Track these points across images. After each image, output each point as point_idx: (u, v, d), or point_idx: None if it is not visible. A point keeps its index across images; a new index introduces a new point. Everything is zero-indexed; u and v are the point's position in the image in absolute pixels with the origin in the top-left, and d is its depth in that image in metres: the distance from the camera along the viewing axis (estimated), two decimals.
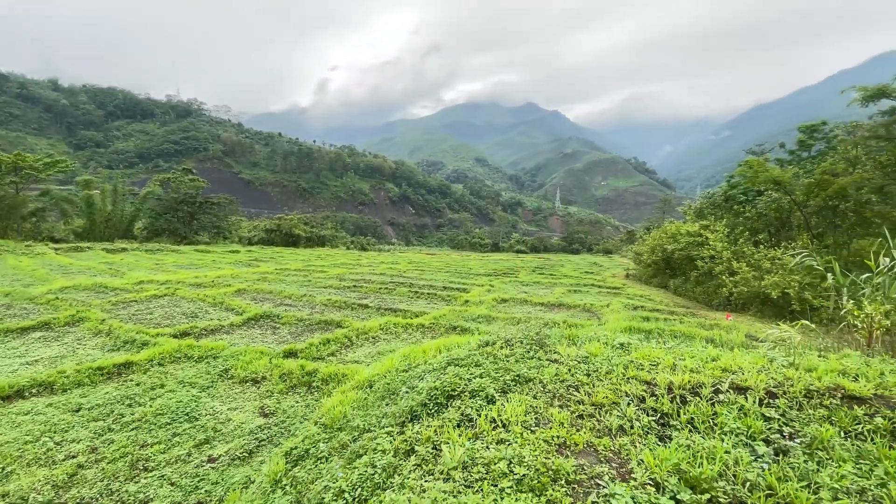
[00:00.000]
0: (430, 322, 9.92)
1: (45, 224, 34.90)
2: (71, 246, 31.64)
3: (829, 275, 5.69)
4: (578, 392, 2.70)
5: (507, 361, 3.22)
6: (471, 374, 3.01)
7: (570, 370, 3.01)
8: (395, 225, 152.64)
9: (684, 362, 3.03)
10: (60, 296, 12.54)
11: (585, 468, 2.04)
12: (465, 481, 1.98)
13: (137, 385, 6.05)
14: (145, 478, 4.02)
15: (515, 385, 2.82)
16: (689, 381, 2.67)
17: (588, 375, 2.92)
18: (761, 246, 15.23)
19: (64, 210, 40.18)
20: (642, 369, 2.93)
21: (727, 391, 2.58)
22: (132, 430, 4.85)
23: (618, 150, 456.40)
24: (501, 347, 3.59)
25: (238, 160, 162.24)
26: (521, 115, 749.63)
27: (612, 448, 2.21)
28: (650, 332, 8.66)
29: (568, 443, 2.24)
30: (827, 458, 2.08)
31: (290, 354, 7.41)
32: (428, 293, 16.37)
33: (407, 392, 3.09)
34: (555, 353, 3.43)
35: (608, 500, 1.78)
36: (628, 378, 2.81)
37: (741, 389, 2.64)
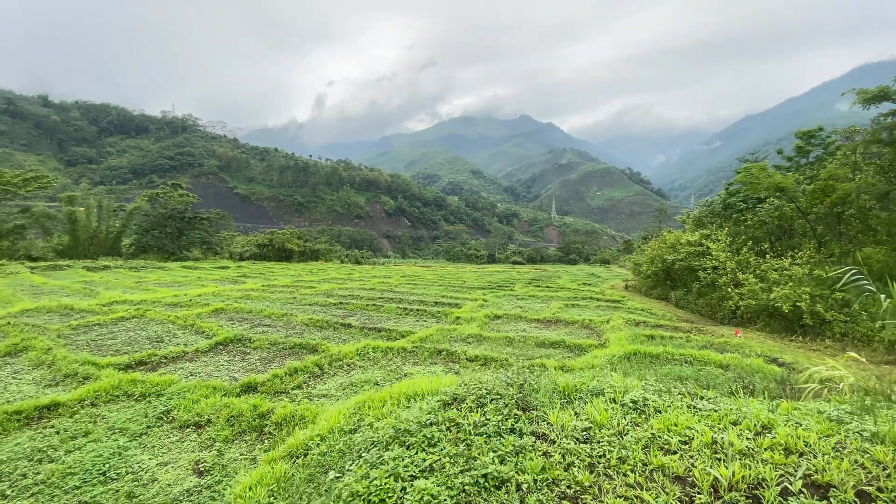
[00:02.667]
0: (414, 345, 9.02)
1: (23, 242, 33.79)
2: (49, 264, 30.56)
3: (883, 297, 4.77)
4: None
5: (475, 439, 2.36)
6: (416, 466, 2.16)
7: (564, 458, 2.16)
8: (391, 238, 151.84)
9: (727, 436, 2.20)
10: (14, 320, 11.56)
11: None
12: None
13: (58, 434, 5.13)
14: None
15: (479, 495, 1.95)
16: (742, 476, 1.84)
17: (592, 469, 2.07)
18: (767, 255, 14.44)
19: (46, 227, 39.14)
20: (670, 452, 2.09)
21: (800, 491, 1.75)
22: (28, 498, 3.92)
23: (612, 160, 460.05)
24: (471, 410, 2.74)
25: (234, 175, 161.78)
26: (515, 128, 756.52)
27: None
28: (658, 356, 7.82)
29: None
30: None
31: (249, 389, 6.50)
32: (417, 310, 15.47)
33: (326, 491, 2.22)
34: (543, 420, 2.58)
35: None
36: (652, 471, 1.96)
37: (819, 487, 1.81)
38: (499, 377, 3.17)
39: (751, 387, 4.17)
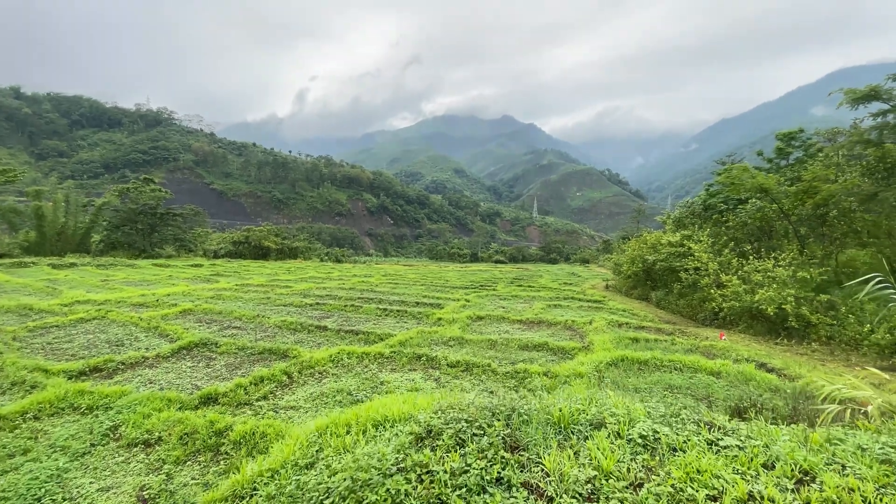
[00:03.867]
0: (392, 349, 8.56)
1: None
2: (14, 261, 28.89)
3: None
4: None
5: (451, 496, 1.93)
6: None
7: None
8: (374, 236, 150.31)
9: (763, 489, 1.83)
10: None
11: None
12: None
13: None
14: None
15: None
16: None
17: None
18: (750, 257, 14.47)
19: (12, 223, 37.09)
20: None
21: None
22: None
23: (592, 161, 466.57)
24: (448, 450, 2.31)
25: (210, 170, 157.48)
26: (498, 128, 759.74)
27: None
28: (646, 362, 7.55)
29: None
30: None
31: (208, 401, 5.95)
32: (398, 311, 14.99)
33: None
34: (537, 464, 2.18)
35: None
36: None
37: None
38: (482, 404, 2.75)
39: (757, 405, 3.90)
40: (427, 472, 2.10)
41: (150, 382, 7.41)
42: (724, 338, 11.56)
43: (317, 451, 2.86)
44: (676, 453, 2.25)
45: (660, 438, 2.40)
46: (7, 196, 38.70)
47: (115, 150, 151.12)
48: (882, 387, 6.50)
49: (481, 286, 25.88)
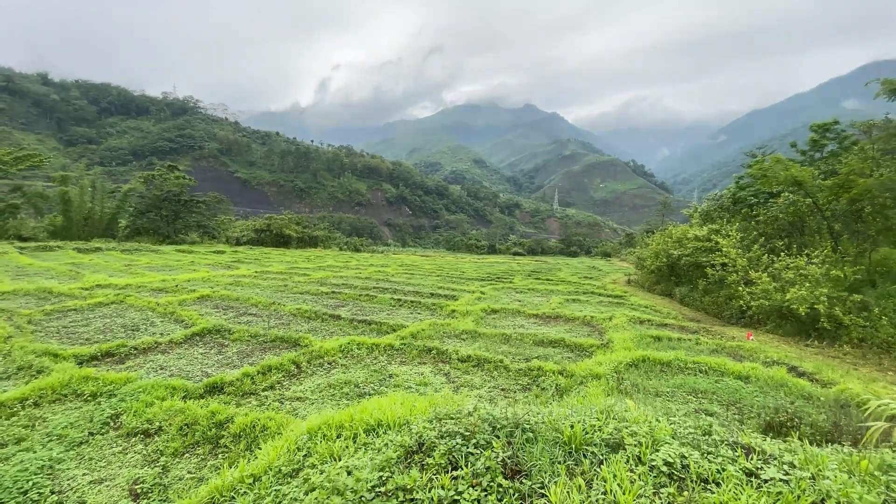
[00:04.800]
0: (403, 341, 8.38)
1: (13, 221, 33.11)
2: (39, 245, 29.96)
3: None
4: None
5: None
6: None
7: None
8: (392, 226, 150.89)
9: None
10: None
11: None
12: None
13: None
14: None
15: None
16: None
17: None
18: (782, 254, 13.69)
19: (38, 207, 38.45)
20: None
21: None
22: None
23: (616, 152, 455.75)
24: (438, 471, 2.04)
25: (234, 159, 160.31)
26: (520, 117, 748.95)
27: None
28: (669, 363, 7.16)
29: None
30: None
31: (214, 390, 5.87)
32: (412, 301, 14.84)
33: None
34: (540, 496, 1.90)
35: None
36: None
37: None
38: (483, 414, 2.49)
39: (795, 419, 3.53)
40: (410, 501, 1.85)
41: (161, 368, 7.43)
42: (751, 338, 10.98)
43: (304, 456, 2.67)
44: (709, 487, 1.94)
45: (689, 466, 2.08)
46: (35, 181, 40.04)
47: (143, 137, 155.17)
48: None
49: (497, 278, 25.54)
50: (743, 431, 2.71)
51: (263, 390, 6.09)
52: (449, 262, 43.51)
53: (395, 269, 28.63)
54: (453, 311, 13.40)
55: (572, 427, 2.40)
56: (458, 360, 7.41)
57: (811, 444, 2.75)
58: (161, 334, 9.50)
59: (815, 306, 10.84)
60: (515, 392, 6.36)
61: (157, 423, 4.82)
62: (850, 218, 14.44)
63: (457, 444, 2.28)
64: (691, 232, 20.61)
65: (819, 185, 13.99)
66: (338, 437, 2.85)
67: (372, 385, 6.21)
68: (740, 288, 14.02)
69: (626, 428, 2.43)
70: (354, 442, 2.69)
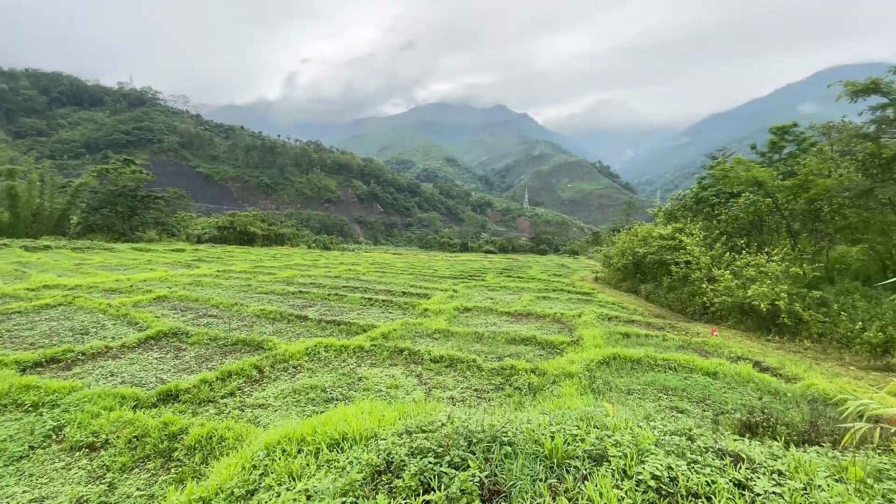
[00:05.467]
0: (373, 342, 8.13)
1: None
2: None
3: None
4: None
5: None
6: None
7: None
8: (363, 223, 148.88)
9: None
10: None
11: None
12: None
13: None
14: None
15: None
16: None
17: None
18: (743, 251, 14.26)
19: None
20: None
21: None
22: None
23: (583, 153, 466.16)
24: (409, 496, 1.86)
25: (196, 153, 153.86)
26: (491, 117, 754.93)
27: None
28: (639, 361, 7.23)
29: None
30: None
31: (168, 398, 5.46)
32: (383, 300, 14.55)
33: None
34: None
35: None
36: None
37: None
38: (457, 426, 2.32)
39: (772, 420, 3.55)
40: None
41: (111, 375, 6.90)
42: (715, 334, 11.34)
43: (261, 475, 2.43)
44: (699, 502, 1.84)
45: (677, 478, 1.98)
46: None
47: (97, 129, 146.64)
48: None
49: (470, 276, 25.52)
50: (722, 434, 2.68)
51: (223, 397, 5.73)
52: (421, 260, 43.22)
53: (366, 267, 28.13)
54: (426, 309, 13.22)
55: (553, 438, 2.27)
56: (431, 360, 7.24)
57: (789, 445, 2.75)
58: (112, 338, 8.88)
59: (776, 302, 11.31)
60: (489, 392, 6.24)
61: (104, 436, 4.40)
62: (808, 217, 15.17)
63: (429, 462, 2.08)
64: (656, 231, 21.21)
65: (779, 185, 14.62)
66: (298, 453, 2.60)
67: (340, 389, 5.94)
68: (703, 285, 14.50)
69: (609, 437, 2.31)
70: (316, 458, 2.46)
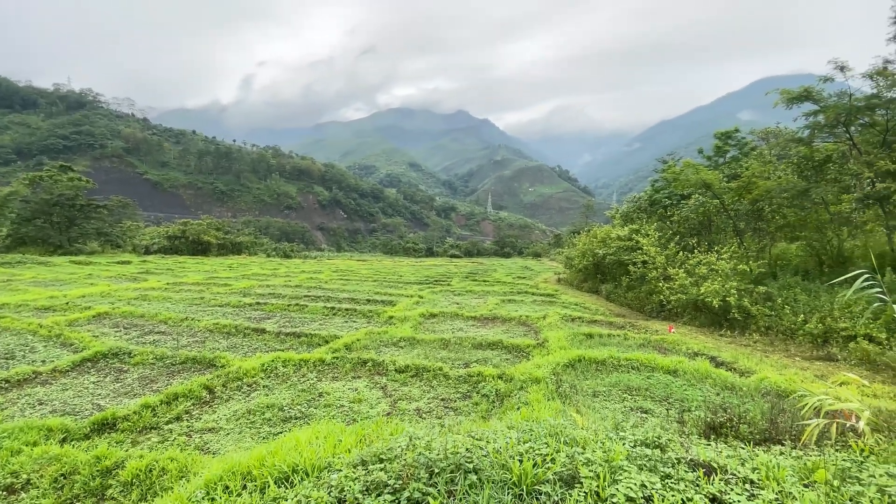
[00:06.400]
0: (335, 354, 7.80)
1: None
2: None
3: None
4: None
5: None
6: None
7: None
8: (326, 230, 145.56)
9: None
10: None
11: None
12: None
13: None
14: None
15: None
16: None
17: None
18: (695, 250, 14.94)
19: None
20: None
21: None
22: None
23: (543, 158, 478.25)
24: None
25: (143, 159, 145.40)
26: (453, 122, 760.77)
27: None
28: (603, 361, 7.30)
29: None
30: None
31: (103, 427, 4.96)
32: (347, 309, 14.12)
33: None
34: None
35: None
36: None
37: None
38: (418, 454, 2.14)
39: (735, 419, 3.60)
40: None
41: (40, 404, 6.24)
42: (672, 331, 11.75)
43: None
44: None
45: (651, 497, 1.89)
46: None
47: (30, 134, 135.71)
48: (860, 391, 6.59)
49: (436, 281, 25.39)
50: (690, 439, 2.66)
51: (167, 423, 5.27)
52: (386, 266, 42.67)
53: (328, 275, 27.39)
54: (391, 317, 12.94)
55: (521, 462, 2.12)
56: (396, 370, 7.00)
57: (752, 445, 2.77)
58: (43, 362, 8.08)
59: (727, 298, 11.87)
60: (456, 401, 6.09)
61: (25, 476, 3.90)
62: (752, 216, 16.13)
63: (385, 501, 1.87)
64: (614, 232, 21.88)
65: (725, 187, 15.47)
66: (243, 489, 2.34)
67: (299, 407, 5.60)
68: (660, 283, 15.03)
69: (580, 455, 2.20)
70: (262, 496, 2.20)
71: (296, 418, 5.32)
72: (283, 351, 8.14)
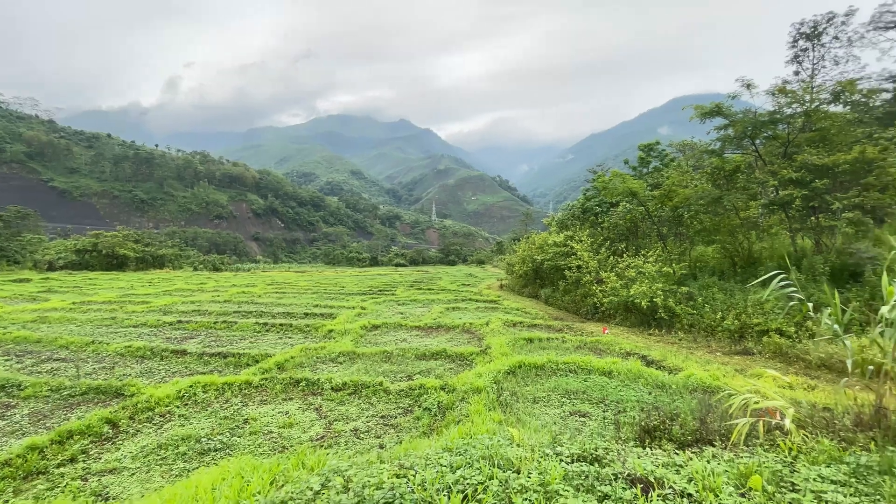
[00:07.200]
0: (265, 375, 7.23)
1: None
2: None
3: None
4: None
5: None
6: None
7: None
8: (261, 240, 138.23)
9: None
10: None
11: None
12: None
13: None
14: None
15: None
16: None
17: None
18: (624, 255, 15.87)
19: None
20: None
21: None
22: None
23: (484, 168, 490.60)
24: None
25: (49, 165, 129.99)
26: (395, 131, 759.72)
27: None
28: (542, 366, 7.39)
29: None
30: None
31: None
32: (281, 325, 13.33)
33: None
34: None
35: None
36: None
37: None
38: (333, 497, 1.92)
39: (667, 421, 3.68)
40: None
41: None
42: (606, 332, 12.29)
43: None
44: None
45: None
46: None
47: None
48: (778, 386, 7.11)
49: (380, 291, 24.86)
50: (627, 447, 2.66)
51: (59, 465, 4.53)
52: (328, 277, 41.21)
53: (263, 288, 25.87)
54: (330, 331, 12.37)
55: (449, 496, 1.94)
56: (332, 389, 6.60)
57: (685, 448, 2.83)
58: None
59: (654, 299, 12.68)
60: (397, 417, 5.83)
61: None
62: (673, 222, 17.46)
63: None
64: (551, 239, 22.74)
65: (649, 195, 16.63)
66: None
67: (220, 437, 5.06)
68: (593, 287, 15.76)
69: (514, 481, 2.08)
70: None
71: (215, 450, 4.79)
72: (204, 374, 7.42)
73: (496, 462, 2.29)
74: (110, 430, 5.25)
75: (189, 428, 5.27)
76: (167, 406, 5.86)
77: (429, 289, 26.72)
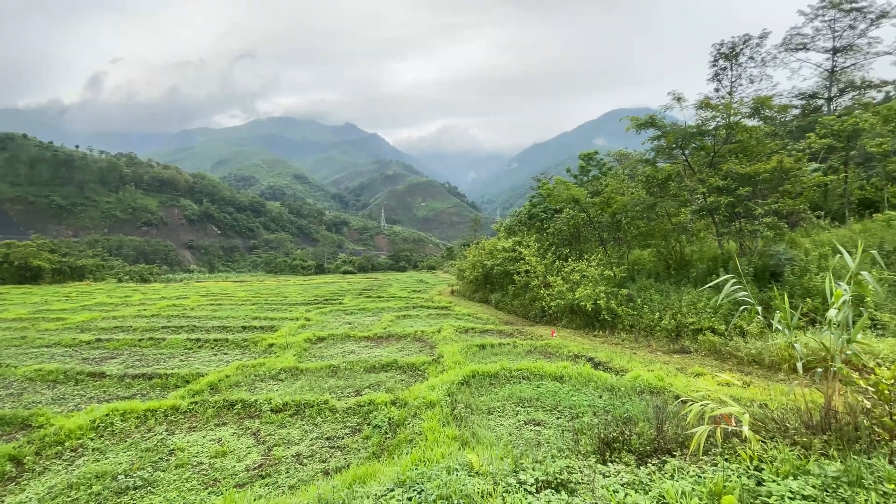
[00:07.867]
0: (195, 398, 6.58)
1: None
2: None
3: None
4: None
5: None
6: None
7: None
8: (195, 248, 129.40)
9: None
10: None
11: None
12: None
13: None
14: None
15: None
16: None
17: None
18: (569, 259, 16.42)
19: None
20: None
21: None
22: None
23: (433, 174, 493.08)
24: None
25: None
26: (341, 135, 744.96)
27: None
28: (496, 375, 7.33)
29: None
30: None
31: None
32: (217, 339, 12.38)
33: None
34: None
35: None
36: None
37: None
38: None
39: (626, 432, 3.67)
40: None
41: None
42: (554, 335, 12.57)
43: None
44: None
45: None
46: None
47: None
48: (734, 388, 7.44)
49: (326, 301, 23.98)
50: (591, 463, 2.61)
51: None
52: (269, 286, 39.19)
53: (196, 300, 24.07)
54: (271, 345, 11.65)
55: None
56: (272, 410, 6.11)
57: (645, 460, 2.80)
58: None
59: (598, 301, 13.18)
60: (344, 438, 5.49)
61: None
62: (612, 227, 18.35)
63: None
64: (500, 244, 23.12)
65: (590, 202, 17.35)
66: None
67: (141, 473, 4.47)
68: (541, 291, 16.14)
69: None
70: None
71: (135, 489, 4.22)
72: (125, 399, 6.64)
73: (456, 502, 2.11)
74: (13, 469, 4.49)
75: (104, 463, 4.62)
76: (79, 438, 5.12)
77: (378, 296, 26.19)
